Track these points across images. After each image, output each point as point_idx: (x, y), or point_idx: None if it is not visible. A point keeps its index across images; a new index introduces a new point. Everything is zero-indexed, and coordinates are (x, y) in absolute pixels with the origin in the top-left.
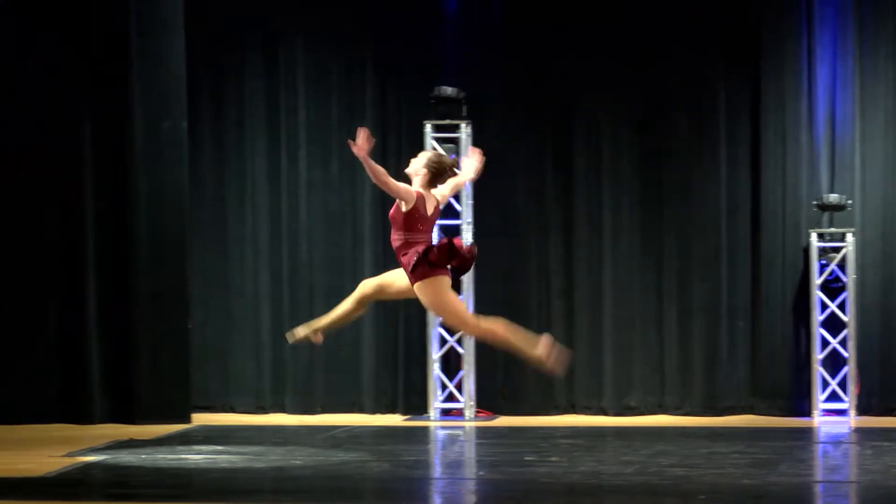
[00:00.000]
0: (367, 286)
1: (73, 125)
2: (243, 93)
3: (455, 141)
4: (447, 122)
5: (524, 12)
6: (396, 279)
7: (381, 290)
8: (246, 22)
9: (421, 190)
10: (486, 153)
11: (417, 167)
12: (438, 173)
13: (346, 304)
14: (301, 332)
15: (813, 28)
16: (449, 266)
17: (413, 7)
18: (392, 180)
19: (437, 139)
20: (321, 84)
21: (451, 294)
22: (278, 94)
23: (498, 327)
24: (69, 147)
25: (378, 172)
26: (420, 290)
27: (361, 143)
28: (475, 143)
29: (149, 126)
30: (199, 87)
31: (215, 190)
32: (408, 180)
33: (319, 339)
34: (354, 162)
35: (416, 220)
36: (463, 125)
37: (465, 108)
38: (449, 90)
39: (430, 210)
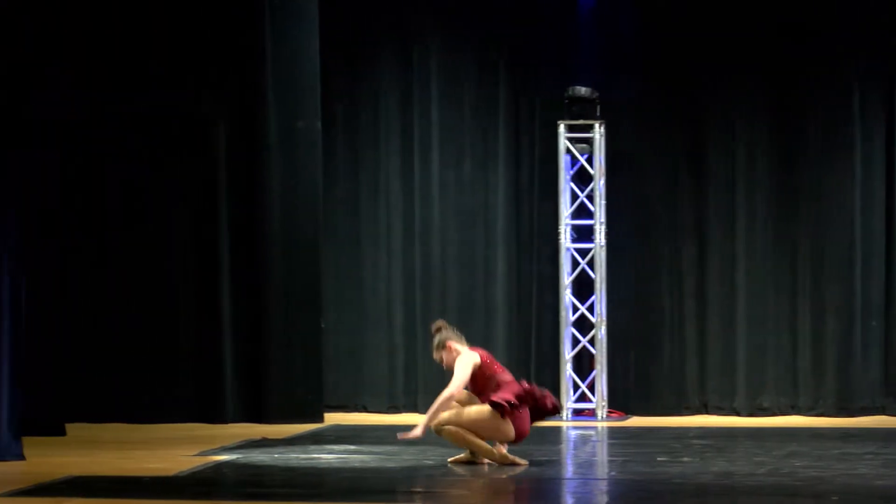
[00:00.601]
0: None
1: (208, 125)
2: (377, 93)
3: (588, 141)
4: (581, 122)
5: (658, 13)
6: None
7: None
8: (380, 22)
9: (473, 352)
10: (619, 153)
11: (447, 355)
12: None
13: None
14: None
15: None
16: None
17: (547, 7)
18: (458, 382)
19: (571, 139)
20: (454, 84)
21: (497, 422)
22: (412, 94)
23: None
24: (204, 147)
25: (451, 397)
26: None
27: (414, 435)
28: (608, 144)
29: (283, 126)
30: (334, 87)
31: (348, 190)
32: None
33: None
34: (487, 162)
35: (488, 375)
36: (597, 125)
37: (598, 109)
38: (583, 90)
39: (489, 359)
